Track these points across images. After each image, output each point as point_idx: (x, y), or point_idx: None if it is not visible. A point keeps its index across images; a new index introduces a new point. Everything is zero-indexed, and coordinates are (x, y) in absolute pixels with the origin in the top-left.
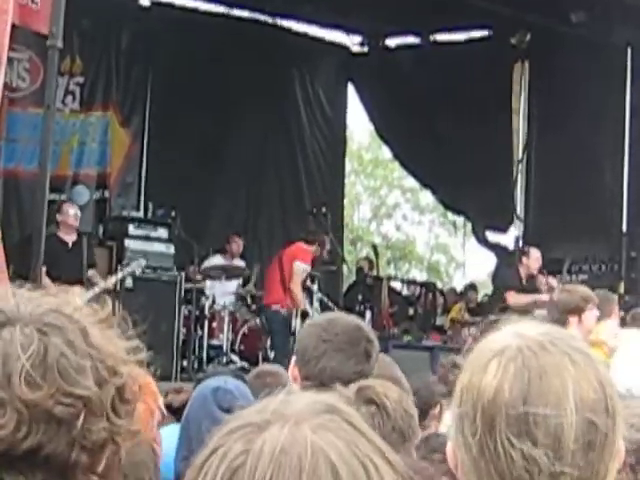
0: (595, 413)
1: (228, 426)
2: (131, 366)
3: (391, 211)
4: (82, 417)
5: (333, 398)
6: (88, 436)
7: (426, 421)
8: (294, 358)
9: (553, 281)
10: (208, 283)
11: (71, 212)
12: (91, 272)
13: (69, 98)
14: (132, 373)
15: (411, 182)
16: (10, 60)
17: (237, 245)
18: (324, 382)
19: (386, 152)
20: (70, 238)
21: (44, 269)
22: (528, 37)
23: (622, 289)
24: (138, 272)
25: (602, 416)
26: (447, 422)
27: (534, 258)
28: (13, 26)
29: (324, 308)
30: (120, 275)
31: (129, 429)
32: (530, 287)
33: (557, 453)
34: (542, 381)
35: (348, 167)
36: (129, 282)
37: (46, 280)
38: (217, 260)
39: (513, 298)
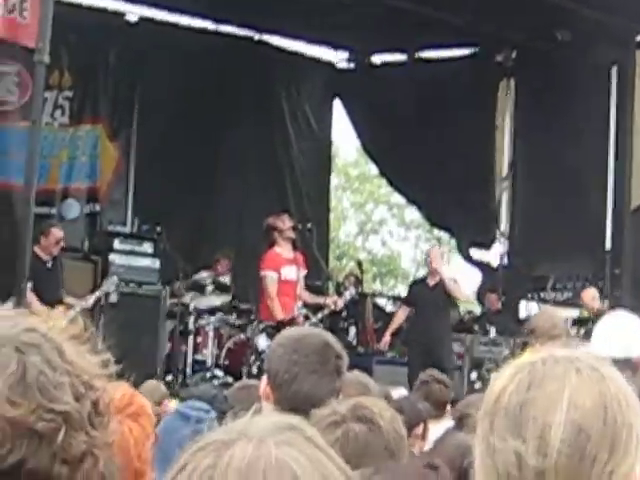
0: (588, 421)
1: (196, 445)
2: (104, 379)
3: (377, 227)
4: (63, 431)
5: (296, 419)
6: (68, 449)
7: (410, 440)
8: (265, 377)
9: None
10: (193, 298)
11: (56, 239)
12: (63, 294)
13: (58, 112)
14: (105, 386)
15: (397, 198)
16: None
17: (222, 267)
18: (298, 405)
19: (372, 168)
20: (47, 257)
21: (29, 285)
22: (514, 55)
23: (606, 307)
24: (112, 290)
25: (597, 427)
26: (432, 438)
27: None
28: (1, 41)
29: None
30: (95, 296)
31: (105, 441)
32: None
33: (542, 450)
34: (541, 386)
35: (335, 182)
36: (113, 297)
37: (31, 296)
38: (203, 275)
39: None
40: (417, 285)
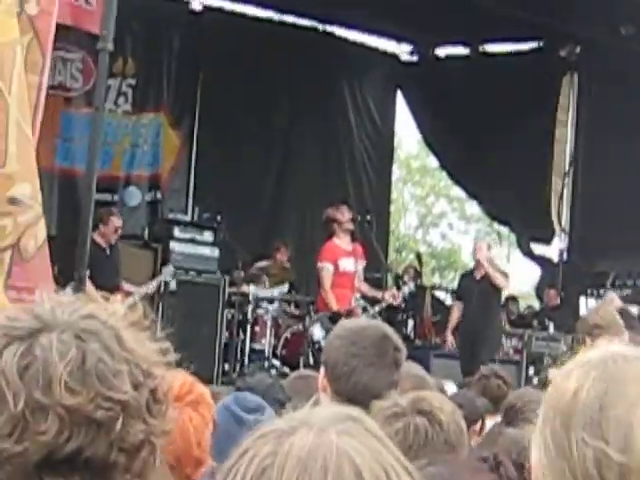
0: None
1: (257, 433)
2: (163, 367)
3: (437, 220)
4: (120, 420)
5: (356, 410)
6: (126, 438)
7: (468, 435)
8: (323, 369)
9: None
10: (252, 288)
11: (115, 227)
12: (122, 282)
13: (121, 99)
14: (164, 374)
15: (458, 191)
16: (64, 60)
17: (282, 254)
18: (357, 397)
19: (434, 161)
20: (106, 245)
21: (87, 272)
22: (578, 50)
23: None
24: (168, 278)
25: None
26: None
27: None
28: (66, 27)
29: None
30: (152, 284)
31: (163, 429)
32: None
33: (627, 451)
34: (619, 387)
35: (396, 175)
36: (172, 285)
37: (89, 285)
38: (263, 265)
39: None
40: (465, 278)
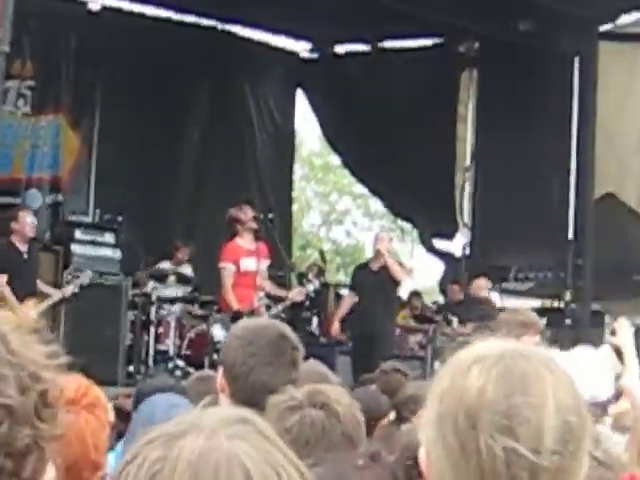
0: (572, 416)
1: (146, 437)
2: (53, 371)
3: (341, 217)
4: (6, 425)
5: (248, 411)
6: (12, 443)
7: (375, 432)
8: (221, 369)
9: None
10: (154, 288)
11: (28, 220)
12: (39, 283)
13: (21, 101)
14: (54, 377)
15: (361, 188)
16: None
17: (183, 253)
18: (255, 396)
19: (336, 158)
20: (24, 247)
21: (4, 278)
22: (476, 45)
23: (568, 297)
24: (86, 283)
25: (577, 420)
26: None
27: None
28: None
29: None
30: (71, 287)
31: (53, 433)
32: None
33: (537, 449)
34: (524, 384)
35: (299, 173)
36: (75, 287)
37: (6, 289)
38: (165, 266)
39: None
40: (360, 270)
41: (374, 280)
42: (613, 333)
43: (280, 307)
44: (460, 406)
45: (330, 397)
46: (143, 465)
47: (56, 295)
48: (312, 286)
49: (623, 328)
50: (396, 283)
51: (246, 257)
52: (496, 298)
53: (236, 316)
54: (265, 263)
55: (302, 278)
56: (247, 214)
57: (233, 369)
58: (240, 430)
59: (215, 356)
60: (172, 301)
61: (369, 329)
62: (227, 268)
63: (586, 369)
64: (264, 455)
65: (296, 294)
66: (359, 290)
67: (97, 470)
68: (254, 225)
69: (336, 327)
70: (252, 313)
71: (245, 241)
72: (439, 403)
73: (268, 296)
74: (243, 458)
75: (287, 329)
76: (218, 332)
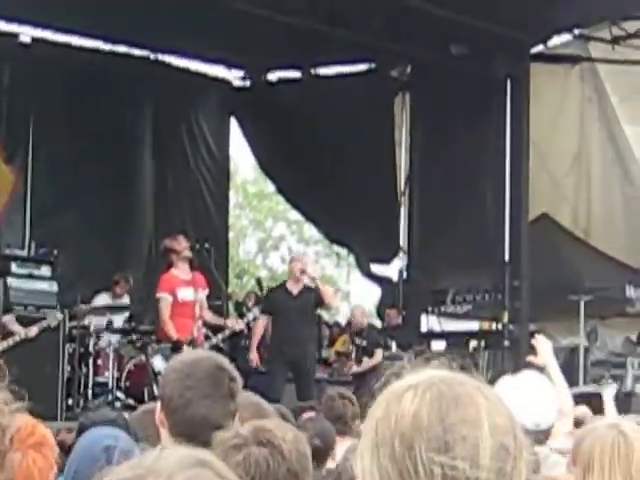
0: (507, 437)
1: None
2: (6, 416)
3: (277, 243)
4: None
5: (205, 453)
6: None
7: (328, 462)
8: (159, 403)
9: None
10: (93, 320)
11: None
12: (7, 318)
13: None
14: (7, 422)
15: (296, 214)
16: None
17: (121, 287)
18: (194, 429)
19: (271, 185)
20: None
21: None
22: (409, 69)
23: (506, 318)
24: (53, 324)
25: (512, 441)
26: (338, 457)
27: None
28: None
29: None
30: (35, 328)
31: (5, 478)
32: None
33: (475, 464)
34: (458, 408)
35: (233, 200)
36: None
37: None
38: (103, 299)
39: None
40: (276, 293)
41: (295, 303)
42: (533, 350)
43: (220, 336)
44: (395, 432)
45: (275, 434)
46: None
47: (19, 335)
48: (252, 315)
49: (543, 346)
50: (319, 305)
51: (183, 287)
52: (434, 322)
53: (176, 346)
54: (204, 293)
55: (240, 307)
56: (181, 244)
57: (171, 403)
58: (198, 474)
59: (155, 387)
60: (111, 331)
61: (293, 354)
62: (164, 298)
63: (529, 397)
64: None
65: (235, 323)
66: (277, 313)
67: None
68: (189, 254)
69: (255, 356)
70: (191, 343)
71: (180, 271)
72: (374, 433)
73: (207, 326)
74: None
75: (224, 361)
76: (159, 363)
